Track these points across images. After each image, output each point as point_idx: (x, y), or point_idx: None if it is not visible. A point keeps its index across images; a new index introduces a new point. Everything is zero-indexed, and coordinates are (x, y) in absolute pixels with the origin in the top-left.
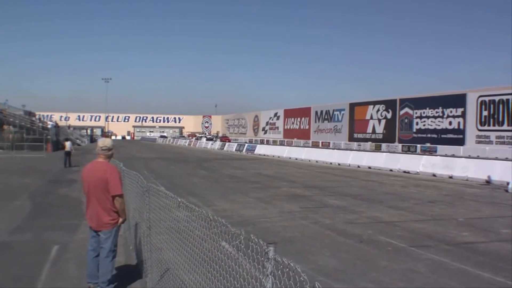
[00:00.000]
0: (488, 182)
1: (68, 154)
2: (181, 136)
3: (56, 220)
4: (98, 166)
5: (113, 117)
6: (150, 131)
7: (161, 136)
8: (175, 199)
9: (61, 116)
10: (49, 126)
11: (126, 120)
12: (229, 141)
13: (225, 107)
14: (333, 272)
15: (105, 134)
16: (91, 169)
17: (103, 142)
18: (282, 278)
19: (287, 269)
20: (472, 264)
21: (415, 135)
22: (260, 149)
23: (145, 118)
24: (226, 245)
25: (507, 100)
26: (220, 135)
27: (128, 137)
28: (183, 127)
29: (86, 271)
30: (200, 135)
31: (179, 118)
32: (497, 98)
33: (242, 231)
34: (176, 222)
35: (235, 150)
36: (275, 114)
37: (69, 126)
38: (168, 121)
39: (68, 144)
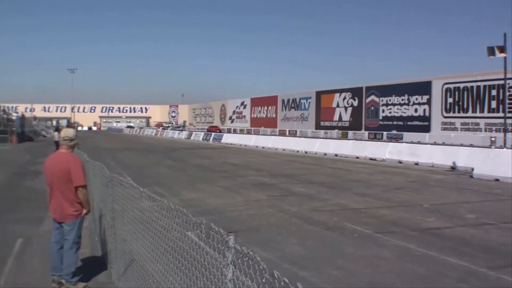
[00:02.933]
0: (453, 168)
1: (57, 144)
2: (148, 126)
3: (21, 213)
4: (60, 157)
5: (79, 107)
6: (116, 122)
7: (128, 127)
8: (138, 189)
9: (26, 108)
10: (14, 118)
11: (92, 110)
12: (219, 131)
13: (192, 97)
14: (299, 260)
15: (71, 125)
16: (54, 160)
17: (65, 133)
18: (242, 267)
19: (247, 258)
20: (437, 249)
21: (381, 123)
22: (227, 138)
23: (111, 108)
24: (191, 234)
25: (472, 87)
26: (187, 124)
27: (94, 128)
28: (150, 117)
29: (50, 263)
30: (167, 125)
31: (145, 108)
32: (462, 85)
33: (203, 220)
34: (140, 212)
35: (202, 139)
36: (242, 103)
37: (34, 118)
38: (134, 111)
39: (57, 134)
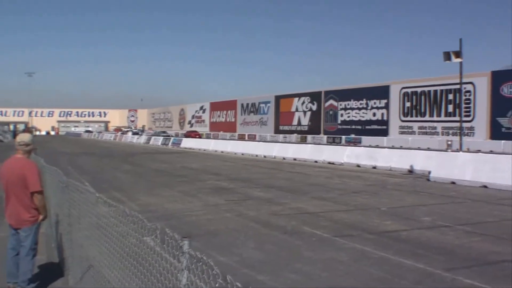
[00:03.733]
0: (411, 171)
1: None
2: (107, 130)
3: None
4: (16, 162)
5: (36, 112)
6: (75, 126)
7: (87, 131)
8: (94, 194)
9: None
10: None
11: (50, 115)
12: (199, 137)
13: (151, 101)
14: (257, 264)
15: (28, 129)
16: (9, 165)
17: (21, 138)
18: (196, 272)
19: (200, 263)
20: (393, 252)
21: (340, 127)
22: (186, 143)
23: (69, 113)
24: (147, 240)
25: (429, 91)
26: (146, 128)
27: (52, 132)
28: (109, 122)
29: (6, 270)
30: (126, 129)
31: (104, 112)
32: (419, 90)
33: (158, 225)
34: (96, 218)
35: (161, 144)
36: (201, 107)
37: None
38: (93, 116)
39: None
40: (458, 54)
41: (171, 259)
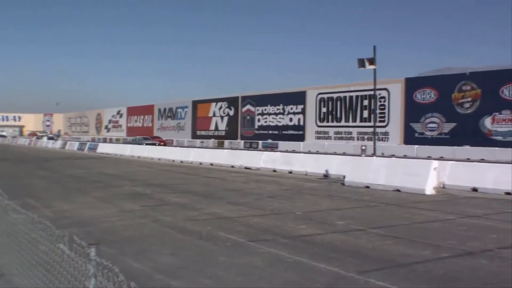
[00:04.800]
0: (326, 176)
1: None
2: (22, 135)
3: None
4: None
5: None
6: None
7: (0, 136)
8: (2, 202)
9: None
10: None
11: None
12: (164, 144)
13: (68, 105)
14: (172, 270)
15: None
16: None
17: None
18: (102, 279)
19: (106, 270)
20: (307, 256)
21: (257, 132)
22: (103, 148)
23: None
24: (56, 247)
25: (345, 97)
26: (62, 133)
27: None
28: (24, 126)
29: None
30: (41, 134)
31: (19, 116)
32: (335, 96)
33: (66, 232)
34: (6, 225)
35: (77, 149)
36: (118, 112)
37: None
38: (7, 120)
39: None
40: (372, 61)
41: (79, 267)
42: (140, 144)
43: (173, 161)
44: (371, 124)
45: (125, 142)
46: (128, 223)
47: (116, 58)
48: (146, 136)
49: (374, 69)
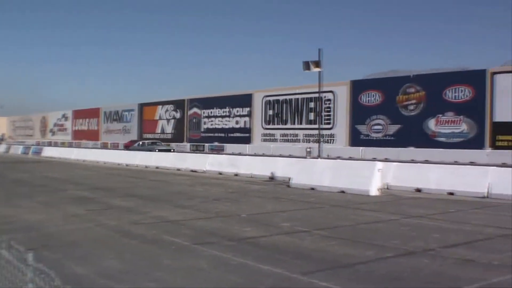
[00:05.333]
0: (272, 178)
1: None
2: None
3: None
4: None
5: None
6: None
7: None
8: None
9: None
10: None
11: None
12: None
13: (13, 108)
14: (117, 274)
15: None
16: None
17: None
18: (39, 284)
19: (43, 275)
20: (252, 258)
21: (203, 135)
22: (48, 151)
23: None
24: (4, 252)
25: (291, 100)
26: (6, 137)
27: None
28: None
29: None
30: None
31: None
32: (281, 98)
33: (5, 238)
34: None
35: (21, 152)
36: (63, 115)
37: None
38: None
39: None
40: (317, 64)
41: (17, 272)
42: (151, 150)
43: (118, 164)
44: (317, 126)
45: (134, 148)
46: (73, 228)
47: (61, 61)
48: (154, 141)
49: (319, 72)
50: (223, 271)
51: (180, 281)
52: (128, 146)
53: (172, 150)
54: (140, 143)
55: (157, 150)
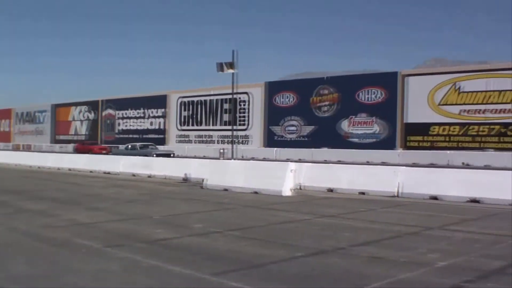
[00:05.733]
0: (186, 179)
1: None
2: None
3: None
4: None
5: None
6: None
7: None
8: None
9: None
10: None
11: None
12: (107, 152)
13: None
14: (26, 279)
15: None
16: None
17: None
18: None
19: None
20: (163, 260)
21: (118, 136)
22: None
23: None
24: None
25: (206, 101)
26: None
27: None
28: None
29: None
30: None
31: None
32: (196, 99)
33: None
34: None
35: None
36: None
37: None
38: None
39: None
40: (231, 65)
41: None
42: (146, 155)
43: (30, 166)
44: (231, 127)
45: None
46: None
47: None
48: (146, 143)
49: (233, 73)
50: (133, 274)
51: (91, 284)
52: (79, 149)
53: (172, 155)
54: (129, 146)
55: (154, 155)
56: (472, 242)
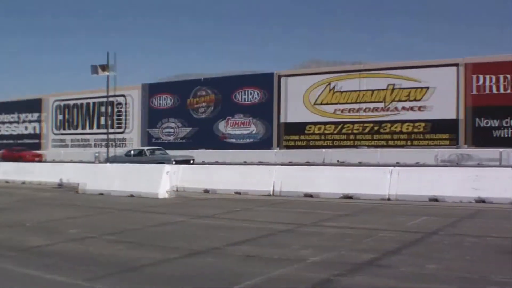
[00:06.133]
0: (61, 185)
1: None
2: None
3: None
4: None
5: None
6: None
7: None
8: None
9: None
10: None
11: None
12: (40, 159)
13: None
14: None
15: None
16: None
17: None
18: None
19: None
20: (35, 268)
21: None
22: None
23: None
24: None
25: (82, 104)
26: None
27: None
28: None
29: None
30: None
31: None
32: (72, 103)
33: None
34: None
35: None
36: None
37: None
38: None
39: None
40: (105, 68)
41: None
42: (161, 162)
43: None
44: (110, 130)
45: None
46: None
47: None
48: (154, 148)
49: (108, 76)
50: (4, 284)
51: None
52: (5, 156)
53: (192, 162)
54: (132, 151)
55: (174, 162)
56: (344, 236)
